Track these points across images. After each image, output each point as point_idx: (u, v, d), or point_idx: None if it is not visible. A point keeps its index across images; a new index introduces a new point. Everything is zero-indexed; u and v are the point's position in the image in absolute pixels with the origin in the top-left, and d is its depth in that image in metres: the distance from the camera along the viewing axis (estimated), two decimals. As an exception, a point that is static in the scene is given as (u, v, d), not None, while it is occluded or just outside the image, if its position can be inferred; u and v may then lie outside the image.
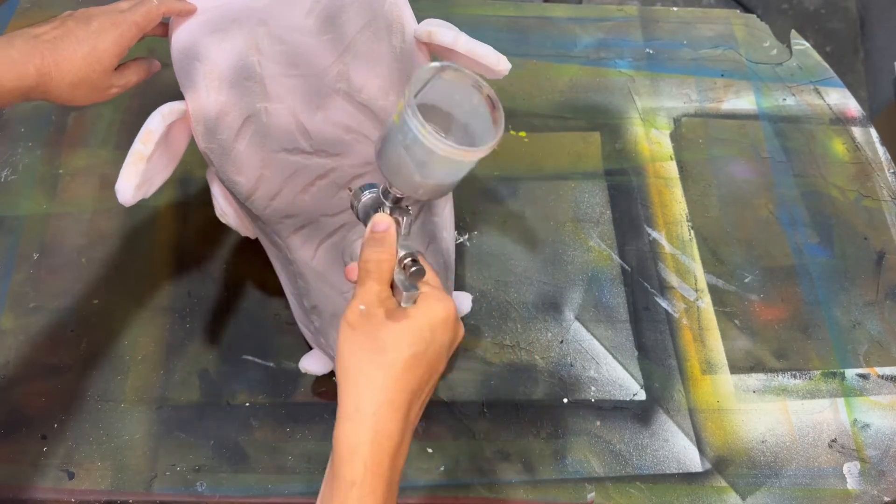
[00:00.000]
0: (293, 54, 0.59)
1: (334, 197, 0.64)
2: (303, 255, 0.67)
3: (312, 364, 0.75)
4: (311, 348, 0.77)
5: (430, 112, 0.47)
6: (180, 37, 0.60)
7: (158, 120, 0.59)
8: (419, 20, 0.69)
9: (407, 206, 0.50)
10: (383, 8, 0.61)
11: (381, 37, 0.61)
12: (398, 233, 0.49)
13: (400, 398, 0.45)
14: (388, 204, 0.49)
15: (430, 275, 0.50)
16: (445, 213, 0.74)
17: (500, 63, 0.62)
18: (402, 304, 0.47)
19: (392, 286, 0.48)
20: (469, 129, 0.47)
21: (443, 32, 0.62)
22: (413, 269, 0.47)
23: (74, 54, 0.57)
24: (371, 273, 0.48)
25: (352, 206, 0.53)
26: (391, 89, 0.61)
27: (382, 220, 0.49)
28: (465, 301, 0.79)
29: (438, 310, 0.47)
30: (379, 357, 0.45)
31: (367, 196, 0.51)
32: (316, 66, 0.59)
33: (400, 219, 0.49)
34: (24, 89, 0.55)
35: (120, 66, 0.62)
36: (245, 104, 0.60)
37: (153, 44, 0.68)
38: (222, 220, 0.71)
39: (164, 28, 0.63)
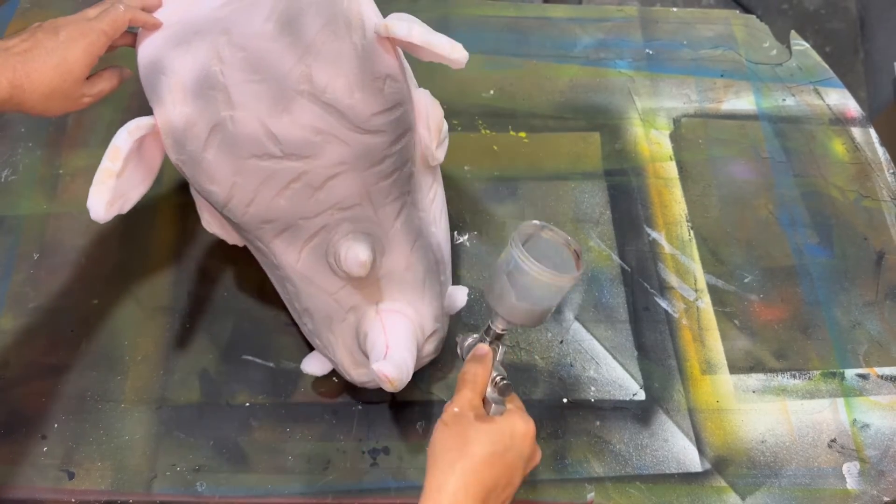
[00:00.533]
0: (255, 60, 0.59)
1: (310, 199, 0.64)
2: (287, 260, 0.67)
3: (313, 365, 0.74)
4: (311, 349, 0.77)
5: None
6: (145, 52, 0.62)
7: (125, 136, 0.60)
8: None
9: (503, 342, 0.61)
10: (342, 5, 0.61)
11: (342, 35, 0.60)
12: (494, 358, 0.60)
13: (476, 488, 0.51)
14: (488, 339, 0.61)
15: (516, 398, 0.60)
16: (434, 207, 0.74)
17: (454, 52, 0.63)
18: (492, 414, 0.57)
19: (484, 401, 0.58)
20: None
21: (398, 25, 0.61)
22: (503, 385, 0.58)
23: (45, 65, 0.58)
24: (468, 383, 0.58)
25: (458, 350, 0.64)
26: (356, 87, 0.60)
27: (483, 347, 0.60)
28: (460, 294, 0.79)
29: (520, 424, 0.56)
30: (464, 448, 0.53)
31: (470, 340, 0.63)
32: (278, 70, 0.59)
33: (496, 348, 0.61)
34: None
35: (91, 75, 0.63)
36: (210, 114, 0.60)
37: (128, 52, 0.69)
38: (208, 229, 0.72)
39: (132, 38, 0.64)
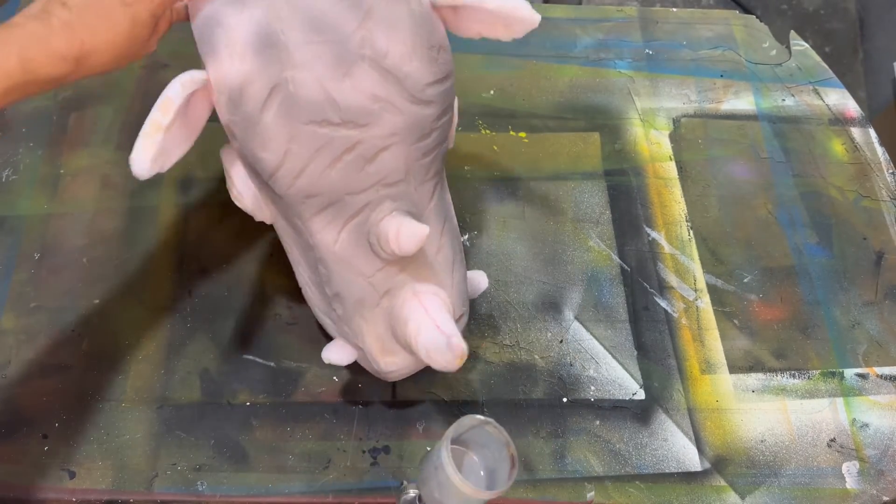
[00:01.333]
0: (315, 20, 0.56)
1: (360, 172, 0.60)
2: (324, 239, 0.63)
3: (335, 354, 0.71)
4: (329, 339, 0.77)
5: (465, 444, 0.61)
6: (199, 5, 0.58)
7: (178, 89, 0.56)
8: None
9: None
10: None
11: (400, 1, 0.59)
12: None
13: None
14: None
15: None
16: (447, 197, 0.73)
17: (533, 14, 0.61)
18: None
19: None
20: (492, 475, 0.59)
21: None
22: None
23: (115, 36, 0.54)
24: None
25: (401, 501, 0.66)
26: (413, 54, 0.59)
27: None
28: (482, 278, 0.78)
29: None
30: None
31: (409, 496, 0.65)
32: (339, 32, 0.57)
33: None
34: (58, 79, 0.53)
35: None
36: (270, 73, 0.56)
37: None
38: (237, 203, 0.68)
39: (185, 13, 0.61)
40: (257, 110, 0.57)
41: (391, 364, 0.70)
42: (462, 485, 0.54)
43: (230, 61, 0.57)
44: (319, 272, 0.66)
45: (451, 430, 0.56)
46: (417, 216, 0.64)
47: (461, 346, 0.60)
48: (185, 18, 0.60)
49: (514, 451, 0.56)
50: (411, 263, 0.66)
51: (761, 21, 1.13)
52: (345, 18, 0.57)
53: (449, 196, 0.72)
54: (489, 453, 0.60)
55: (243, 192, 0.66)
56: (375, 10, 0.57)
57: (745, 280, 0.89)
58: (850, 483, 0.77)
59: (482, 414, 0.78)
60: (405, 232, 0.59)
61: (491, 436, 0.58)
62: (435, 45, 0.60)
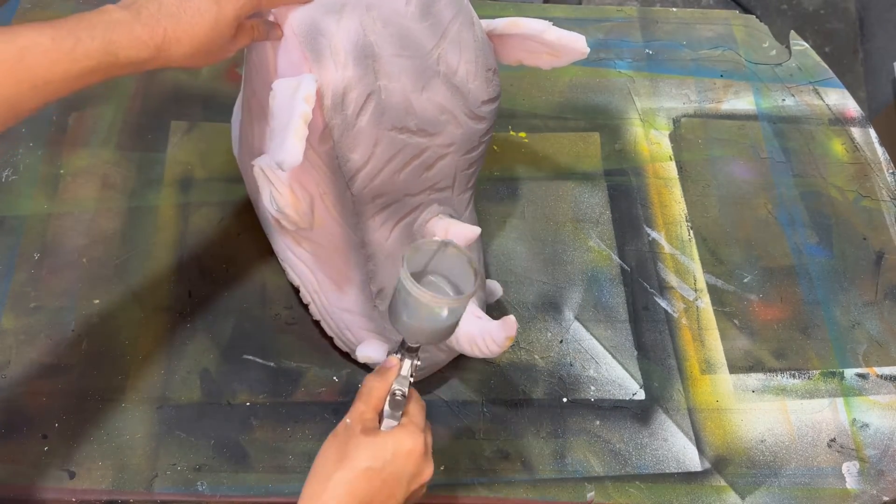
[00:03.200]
0: (401, 37, 0.62)
1: (420, 177, 0.67)
2: (378, 237, 0.68)
3: (372, 350, 0.74)
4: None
5: (431, 274, 0.59)
6: (299, 16, 0.61)
7: (312, 84, 0.59)
8: None
9: (414, 356, 0.59)
10: (465, 2, 0.67)
11: (468, 26, 0.66)
12: (399, 372, 0.58)
13: (348, 499, 0.52)
14: (402, 350, 0.59)
15: (414, 412, 0.58)
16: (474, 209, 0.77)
17: (584, 47, 0.73)
18: (381, 429, 0.56)
19: (381, 415, 0.57)
20: (460, 291, 0.57)
21: (530, 23, 0.69)
22: (398, 399, 0.57)
23: (198, 29, 0.55)
24: (363, 395, 0.57)
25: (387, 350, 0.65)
26: (475, 74, 0.66)
27: (391, 359, 0.59)
28: (496, 288, 0.81)
29: (406, 441, 0.55)
30: (342, 460, 0.53)
31: (393, 345, 0.63)
32: (421, 49, 0.63)
33: (405, 361, 0.59)
34: (138, 63, 0.53)
35: None
36: (367, 81, 0.61)
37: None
38: (282, 209, 0.68)
39: (263, 29, 0.62)
40: (354, 114, 0.61)
41: (425, 360, 0.73)
42: (423, 295, 0.52)
43: (335, 68, 0.60)
44: (368, 269, 0.70)
45: (409, 252, 0.55)
46: None
47: (511, 333, 0.65)
48: (266, 38, 0.62)
49: (476, 266, 0.56)
50: None
51: (761, 21, 1.13)
52: (426, 37, 0.63)
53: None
54: (455, 278, 0.58)
55: (298, 198, 0.68)
56: (450, 32, 0.65)
57: (745, 280, 0.89)
58: (850, 483, 0.77)
59: (482, 414, 0.78)
60: (453, 231, 0.67)
61: (453, 258, 0.57)
62: (491, 67, 0.68)
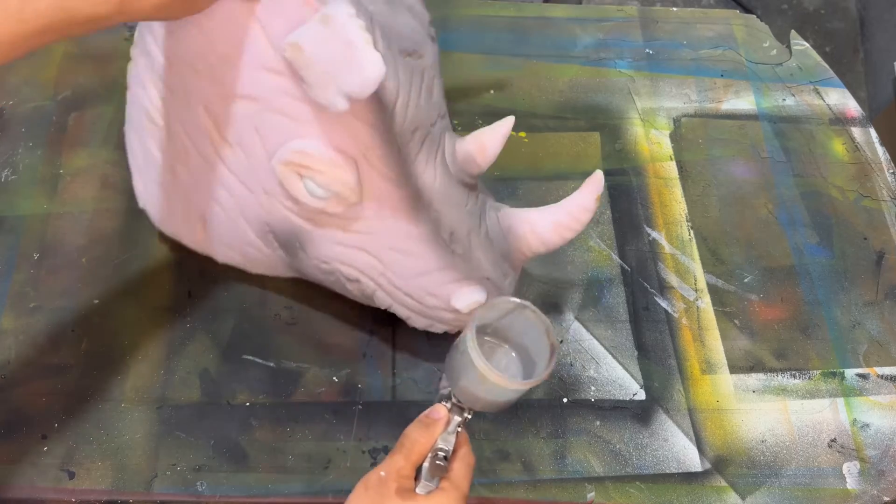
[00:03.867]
0: None
1: (430, 101, 0.65)
2: (428, 178, 0.65)
3: (469, 297, 0.69)
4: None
5: (500, 333, 0.55)
6: None
7: (350, 6, 0.56)
8: None
9: (465, 411, 0.54)
10: None
11: None
12: (446, 428, 0.53)
13: None
14: (452, 401, 0.54)
15: (459, 475, 0.52)
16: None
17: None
18: (417, 490, 0.51)
19: (419, 471, 0.52)
20: (530, 361, 0.53)
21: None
22: (440, 463, 0.51)
23: None
24: (404, 448, 0.52)
25: (436, 392, 0.60)
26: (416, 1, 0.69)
27: (438, 410, 0.54)
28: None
29: None
30: None
31: (445, 390, 0.56)
32: None
33: (453, 417, 0.54)
34: (100, 19, 0.49)
35: None
36: (363, 11, 0.57)
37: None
38: (325, 192, 0.64)
39: None
40: (376, 42, 0.58)
41: (512, 284, 0.75)
42: (489, 372, 0.48)
43: (335, 3, 0.56)
44: (431, 218, 0.66)
45: (479, 312, 0.51)
46: None
47: (600, 175, 0.69)
48: None
49: (553, 340, 0.51)
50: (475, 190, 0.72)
51: (762, 20, 1.13)
52: None
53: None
54: (528, 341, 0.53)
55: (345, 164, 0.63)
56: None
57: (746, 280, 0.89)
58: (851, 483, 0.77)
59: (482, 415, 0.78)
60: (487, 136, 0.67)
61: (529, 322, 0.52)
62: None
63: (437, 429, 0.52)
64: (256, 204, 0.69)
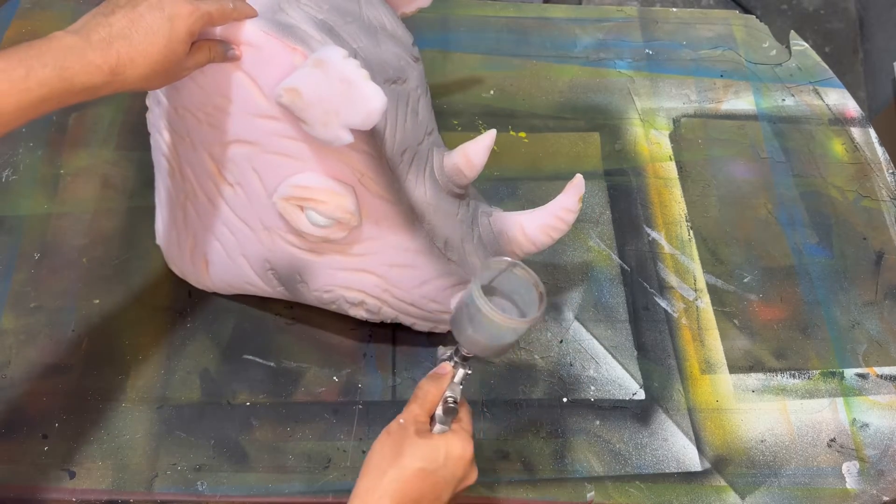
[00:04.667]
0: (336, 8, 0.66)
1: (416, 122, 0.69)
2: (419, 195, 0.69)
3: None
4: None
5: (495, 291, 0.62)
6: (255, 25, 0.61)
7: (339, 49, 0.60)
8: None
9: (467, 366, 0.62)
10: None
11: None
12: (452, 380, 0.61)
13: (400, 496, 0.54)
14: (455, 359, 0.62)
15: (466, 419, 0.61)
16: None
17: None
18: (434, 431, 0.59)
19: (432, 418, 0.60)
20: (522, 311, 0.60)
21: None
22: (452, 406, 0.60)
23: (151, 47, 0.54)
24: (418, 398, 0.60)
25: (437, 360, 0.67)
26: (396, 22, 0.72)
27: (444, 366, 0.62)
28: None
29: (457, 446, 0.57)
30: (396, 459, 0.55)
31: (447, 353, 0.65)
32: (354, 13, 0.67)
33: (458, 370, 0.62)
34: (94, 88, 0.53)
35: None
36: (347, 48, 0.63)
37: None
38: (328, 220, 0.67)
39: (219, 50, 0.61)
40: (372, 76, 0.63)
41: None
42: (493, 314, 0.55)
43: (321, 46, 0.61)
44: (425, 230, 0.71)
45: (480, 270, 0.59)
46: None
47: (580, 179, 0.72)
48: (224, 60, 0.61)
49: (542, 290, 0.58)
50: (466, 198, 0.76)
51: (761, 21, 1.13)
52: (349, 3, 0.67)
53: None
54: (518, 298, 0.61)
55: (344, 192, 0.67)
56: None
57: (745, 280, 0.89)
58: (850, 483, 0.77)
59: (482, 415, 0.78)
60: (470, 149, 0.70)
61: (520, 279, 0.60)
62: (396, 14, 0.73)
63: (444, 381, 0.61)
64: (257, 241, 0.72)
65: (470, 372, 0.62)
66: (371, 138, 0.64)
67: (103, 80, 0.53)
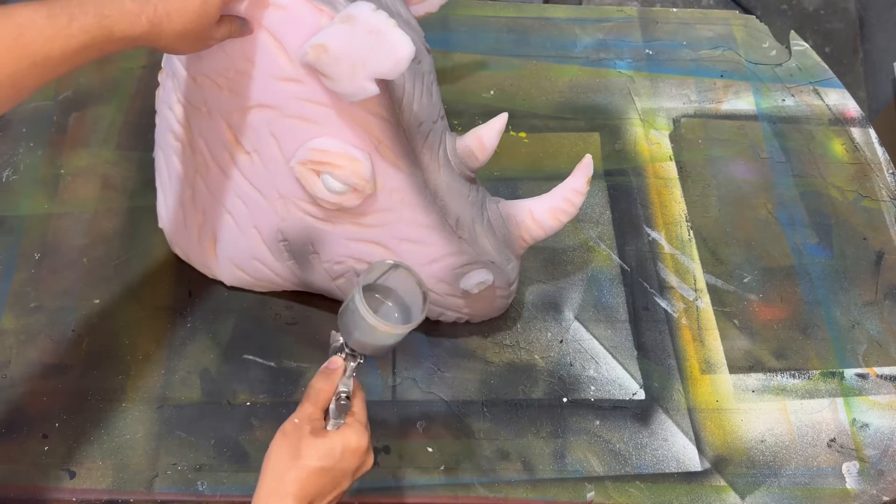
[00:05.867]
0: None
1: (431, 100, 0.69)
2: (433, 169, 0.70)
3: (476, 278, 0.74)
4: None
5: (389, 293, 0.63)
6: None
7: (367, 2, 0.61)
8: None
9: (357, 357, 0.62)
10: None
11: None
12: (344, 374, 0.61)
13: (302, 495, 0.56)
14: (345, 350, 0.62)
15: (358, 410, 0.61)
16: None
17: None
18: (328, 428, 0.59)
19: (327, 413, 0.60)
20: (410, 313, 0.62)
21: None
22: (343, 403, 0.60)
23: (187, 5, 0.57)
24: (310, 397, 0.60)
25: (331, 344, 0.65)
26: (410, 15, 0.73)
27: (335, 361, 0.62)
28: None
29: (353, 439, 0.58)
30: (294, 461, 0.56)
31: (339, 340, 0.64)
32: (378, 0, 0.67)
33: (349, 364, 0.62)
34: (132, 38, 0.55)
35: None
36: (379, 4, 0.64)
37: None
38: (343, 186, 0.68)
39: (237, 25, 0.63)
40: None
41: (514, 269, 0.78)
42: (374, 321, 0.57)
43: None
44: (438, 206, 0.71)
45: (363, 277, 0.60)
46: None
47: (589, 159, 0.73)
48: (240, 34, 0.63)
49: (425, 289, 0.60)
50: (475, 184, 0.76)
51: (761, 21, 1.13)
52: None
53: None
54: (410, 298, 0.62)
55: (361, 157, 0.67)
56: None
57: (745, 280, 0.89)
58: (850, 483, 0.77)
59: (482, 414, 0.78)
60: (483, 130, 0.71)
61: (405, 279, 0.61)
62: (408, 8, 0.74)
63: (336, 377, 0.61)
64: (271, 210, 0.73)
65: (362, 362, 0.62)
66: (391, 104, 0.64)
67: (142, 30, 0.55)
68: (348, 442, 0.58)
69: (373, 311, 0.57)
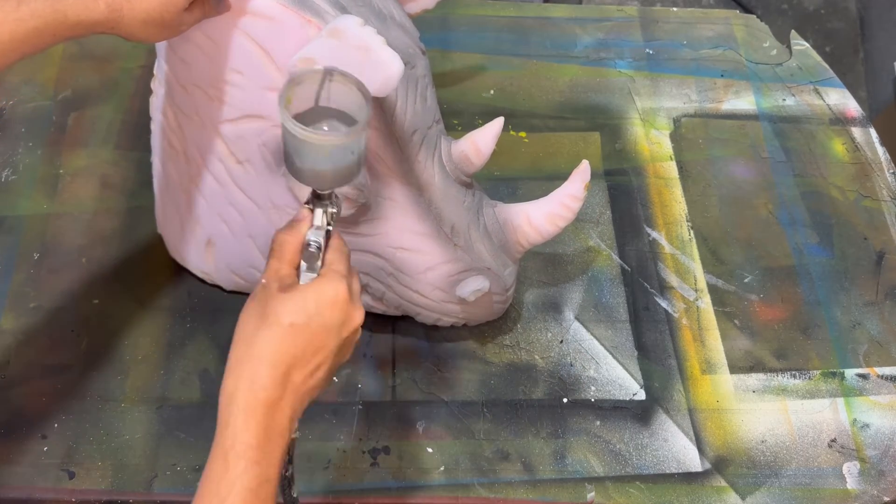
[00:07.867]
0: None
1: (425, 106, 0.69)
2: (428, 178, 0.69)
3: (472, 285, 0.73)
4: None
5: (329, 113, 0.55)
6: None
7: (356, 18, 0.60)
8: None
9: (325, 203, 0.55)
10: None
11: None
12: (311, 223, 0.55)
13: (276, 358, 0.50)
14: (312, 198, 0.55)
15: (333, 259, 0.54)
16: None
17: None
18: (300, 283, 0.53)
19: (298, 269, 0.54)
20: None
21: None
22: (312, 251, 0.53)
23: None
24: (275, 252, 0.54)
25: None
26: (403, 15, 0.72)
27: (301, 211, 0.55)
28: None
29: (327, 290, 0.51)
30: (262, 322, 0.51)
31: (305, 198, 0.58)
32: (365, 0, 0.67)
33: (317, 210, 0.55)
34: (90, 24, 0.52)
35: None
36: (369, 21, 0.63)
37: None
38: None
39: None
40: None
41: (511, 274, 0.78)
42: (307, 135, 0.49)
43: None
44: (432, 212, 0.71)
45: (284, 88, 0.51)
46: None
47: (586, 165, 0.72)
48: (216, 13, 0.60)
49: (365, 91, 0.52)
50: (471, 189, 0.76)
51: (762, 21, 1.13)
52: None
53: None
54: (358, 113, 0.54)
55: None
56: None
57: (746, 280, 0.89)
58: (851, 483, 0.77)
59: (482, 414, 0.78)
60: (478, 136, 0.70)
61: (346, 92, 0.53)
62: (401, 8, 0.73)
63: (302, 227, 0.54)
64: (265, 220, 0.72)
65: (335, 210, 0.55)
66: (381, 114, 0.63)
67: (100, 15, 0.52)
68: (323, 293, 0.51)
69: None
